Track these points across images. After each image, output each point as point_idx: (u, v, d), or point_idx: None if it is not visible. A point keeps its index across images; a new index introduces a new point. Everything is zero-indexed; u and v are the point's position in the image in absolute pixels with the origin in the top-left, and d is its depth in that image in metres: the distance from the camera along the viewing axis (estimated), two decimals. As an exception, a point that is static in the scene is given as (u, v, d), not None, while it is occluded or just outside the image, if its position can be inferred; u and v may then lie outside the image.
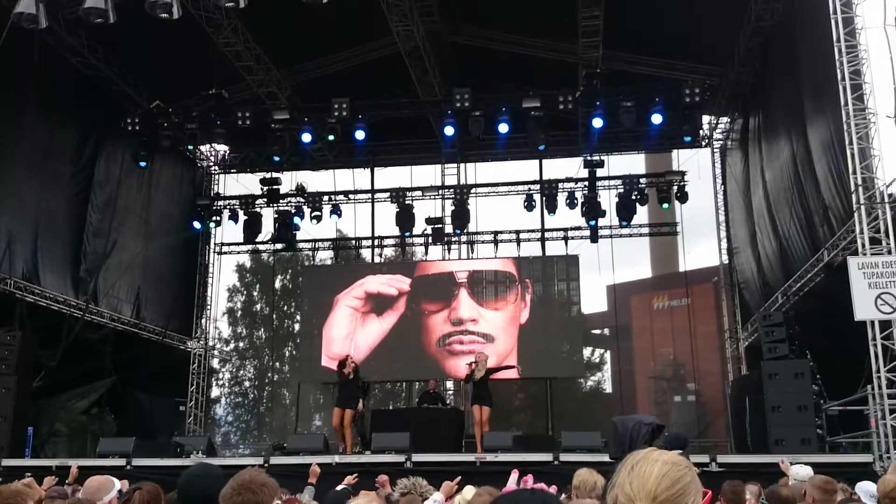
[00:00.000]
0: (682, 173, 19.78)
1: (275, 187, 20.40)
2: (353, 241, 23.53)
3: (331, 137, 16.17)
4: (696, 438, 24.04)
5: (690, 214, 21.60)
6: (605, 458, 10.46)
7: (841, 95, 10.76)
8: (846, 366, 11.39)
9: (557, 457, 11.01)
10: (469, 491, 5.21)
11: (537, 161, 20.54)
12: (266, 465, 11.24)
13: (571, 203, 19.71)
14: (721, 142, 20.19)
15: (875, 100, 10.77)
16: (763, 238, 16.54)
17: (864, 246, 10.53)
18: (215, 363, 29.53)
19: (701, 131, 19.12)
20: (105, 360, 16.69)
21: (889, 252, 10.34)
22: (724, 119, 19.60)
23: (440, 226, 20.90)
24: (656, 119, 15.30)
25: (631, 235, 21.02)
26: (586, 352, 32.09)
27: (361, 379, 14.36)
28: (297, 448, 12.54)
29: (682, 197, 19.38)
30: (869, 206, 10.58)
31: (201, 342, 20.88)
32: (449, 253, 21.35)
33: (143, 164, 17.24)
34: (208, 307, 21.48)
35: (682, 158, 20.46)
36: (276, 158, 17.84)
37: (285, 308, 34.57)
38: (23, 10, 12.25)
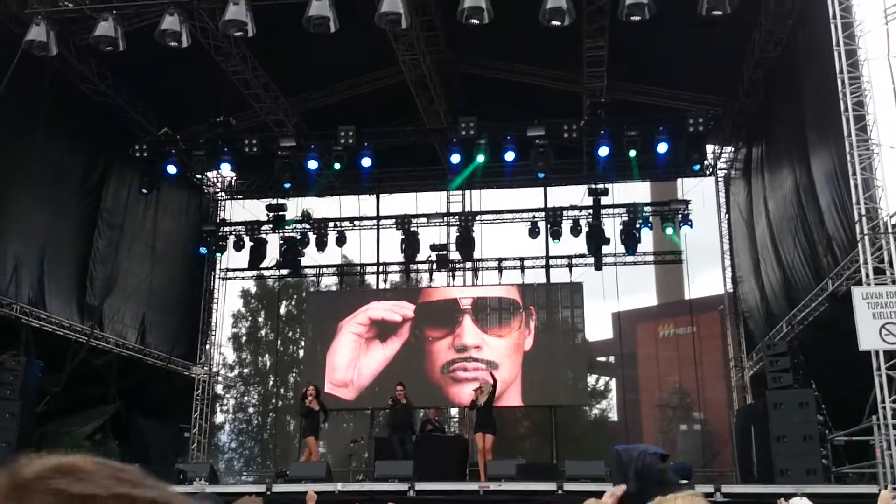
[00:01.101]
0: (687, 202, 19.87)
1: (280, 213, 20.50)
2: (358, 268, 23.58)
3: (336, 166, 16.32)
4: (701, 468, 23.88)
5: (695, 243, 21.66)
6: (609, 487, 10.41)
7: (844, 126, 10.82)
8: (851, 396, 11.35)
9: (561, 486, 10.98)
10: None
11: (542, 189, 20.64)
12: (268, 492, 11.21)
13: (576, 231, 19.78)
14: (725, 171, 20.27)
15: (878, 130, 10.84)
16: (766, 267, 16.55)
17: (867, 276, 10.54)
18: (219, 389, 29.50)
19: (705, 160, 19.22)
20: (109, 386, 16.69)
21: (893, 282, 10.35)
22: (728, 148, 19.69)
23: (445, 252, 20.96)
24: (661, 148, 15.39)
25: (636, 263, 21.05)
26: (591, 379, 32.03)
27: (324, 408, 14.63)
28: (300, 476, 12.52)
29: (687, 225, 19.54)
30: (873, 237, 10.60)
31: (205, 368, 20.87)
32: (453, 280, 21.40)
33: (144, 190, 17.37)
34: (213, 333, 21.50)
35: (687, 187, 20.58)
36: (287, 186, 17.96)
37: (290, 334, 34.55)
38: (34, 37, 12.47)
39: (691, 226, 19.70)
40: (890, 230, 10.55)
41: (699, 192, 20.34)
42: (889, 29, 11.62)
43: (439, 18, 15.03)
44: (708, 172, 20.22)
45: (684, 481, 7.00)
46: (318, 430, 14.64)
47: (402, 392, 14.47)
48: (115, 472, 0.87)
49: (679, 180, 20.90)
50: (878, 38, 11.56)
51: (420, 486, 11.39)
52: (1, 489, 0.82)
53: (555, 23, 11.76)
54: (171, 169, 16.79)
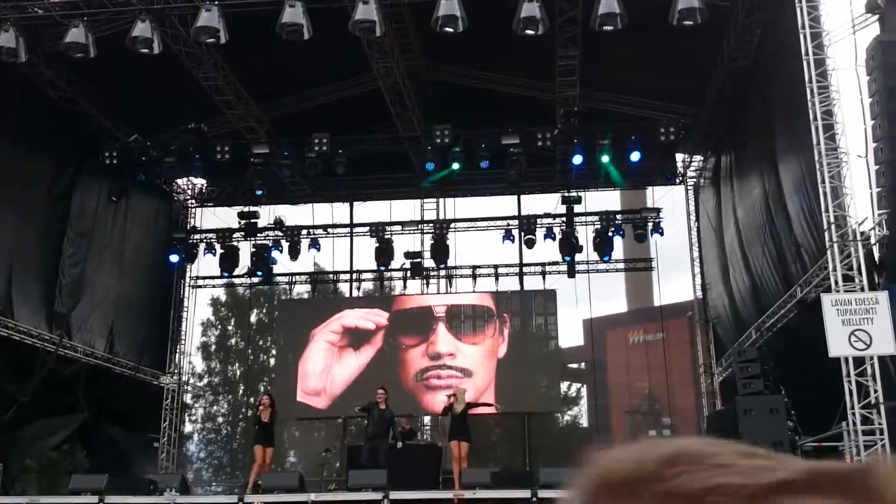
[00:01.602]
0: (658, 210, 20.11)
1: (252, 221, 20.38)
2: (331, 275, 23.49)
3: (311, 173, 16.28)
4: (672, 474, 23.99)
5: (665, 250, 21.90)
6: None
7: (813, 135, 10.97)
8: (820, 402, 11.49)
9: (535, 493, 10.98)
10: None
11: (516, 196, 20.72)
12: (240, 503, 11.10)
13: (549, 238, 19.90)
14: (694, 179, 20.49)
15: (847, 139, 11.02)
16: (735, 274, 16.73)
17: (836, 283, 10.69)
18: (188, 398, 29.18)
19: (676, 169, 19.45)
20: (77, 395, 16.45)
21: (862, 289, 10.51)
22: (698, 157, 19.91)
23: (419, 260, 20.95)
24: (634, 157, 15.55)
25: (608, 270, 21.21)
26: (563, 386, 32.11)
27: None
28: (272, 486, 12.40)
29: (658, 233, 19.79)
30: (842, 244, 10.76)
31: (174, 377, 20.63)
32: (427, 287, 21.38)
33: (114, 197, 17.17)
34: (182, 341, 21.26)
35: (657, 195, 20.79)
36: (259, 192, 17.87)
37: (261, 342, 34.30)
38: (2, 44, 12.31)
39: (662, 233, 19.94)
40: (858, 238, 10.72)
41: (669, 201, 20.60)
42: (857, 39, 11.84)
43: (413, 26, 15.04)
44: (678, 181, 20.44)
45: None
46: (265, 440, 13.84)
47: (384, 397, 13.81)
48: (742, 451, 0.60)
49: (649, 188, 21.11)
50: (847, 47, 11.78)
51: (394, 495, 11.34)
52: (589, 489, 0.60)
53: (528, 32, 11.85)
54: (142, 176, 16.64)
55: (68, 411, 16.30)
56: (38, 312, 15.93)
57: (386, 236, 20.57)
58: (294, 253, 20.77)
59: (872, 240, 10.87)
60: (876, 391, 10.13)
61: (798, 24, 11.24)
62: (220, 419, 34.00)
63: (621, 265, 22.04)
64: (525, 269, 20.80)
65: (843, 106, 11.11)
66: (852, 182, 10.91)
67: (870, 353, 10.18)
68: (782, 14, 12.43)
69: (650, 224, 19.90)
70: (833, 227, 10.78)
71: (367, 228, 20.91)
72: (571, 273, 20.13)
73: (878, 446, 10.00)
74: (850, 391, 10.26)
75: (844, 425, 10.36)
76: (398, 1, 13.03)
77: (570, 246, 19.57)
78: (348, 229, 21.51)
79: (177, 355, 20.92)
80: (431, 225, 20.81)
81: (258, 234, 20.61)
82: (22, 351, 15.12)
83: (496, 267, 20.95)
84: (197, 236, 20.99)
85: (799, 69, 11.25)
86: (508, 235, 20.30)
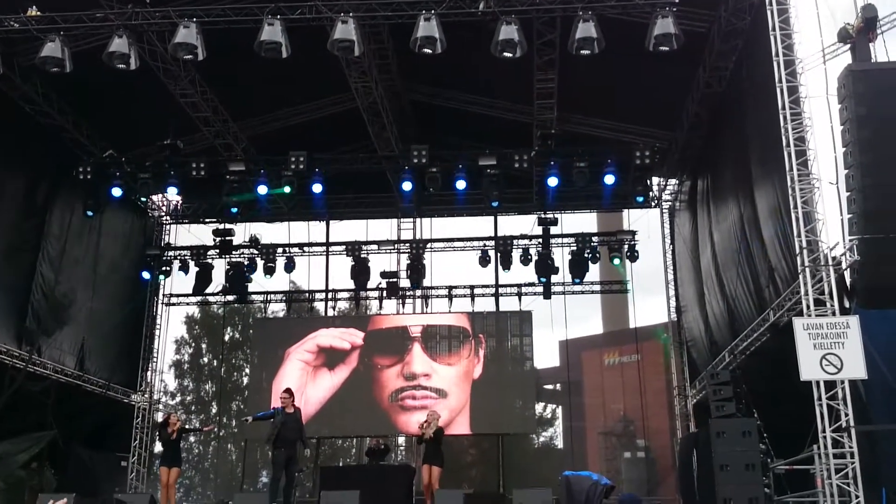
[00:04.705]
0: (633, 232, 20.26)
1: (227, 238, 20.25)
2: (307, 294, 23.36)
3: (287, 189, 16.22)
4: (645, 496, 24.08)
5: (641, 272, 22.02)
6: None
7: (786, 161, 11.12)
8: (792, 425, 11.55)
9: (509, 515, 10.95)
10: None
11: (492, 217, 20.79)
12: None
13: (525, 259, 19.97)
14: (669, 203, 20.66)
15: (819, 166, 11.17)
16: (711, 297, 16.84)
17: (808, 307, 10.79)
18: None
19: (651, 192, 19.60)
20: (46, 413, 16.17)
21: (833, 313, 10.61)
22: (673, 181, 20.08)
23: (395, 280, 20.92)
24: (609, 180, 15.67)
25: (583, 292, 21.31)
26: (538, 407, 32.10)
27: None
28: (244, 506, 12.27)
29: (633, 256, 19.93)
30: (814, 269, 10.87)
31: (146, 395, 20.38)
32: (403, 307, 21.36)
33: (90, 213, 16.99)
34: (154, 359, 21.01)
35: (633, 218, 20.96)
36: (235, 210, 17.77)
37: (234, 361, 34.01)
38: (-23, 56, 12.17)
39: (637, 256, 20.06)
40: (830, 263, 10.83)
41: (644, 223, 20.79)
42: (827, 68, 12.05)
43: (392, 47, 15.12)
44: (654, 204, 20.60)
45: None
46: (173, 462, 13.14)
47: (290, 399, 12.35)
48: None
49: (625, 211, 21.26)
50: (818, 75, 11.98)
51: (367, 516, 11.26)
52: None
53: (506, 54, 11.92)
54: (116, 191, 16.49)
55: (37, 429, 16.01)
56: (6, 329, 15.66)
57: (362, 255, 20.53)
58: (269, 271, 20.66)
59: (844, 265, 10.99)
60: (847, 415, 10.20)
61: (772, 52, 11.41)
62: (192, 438, 33.58)
63: (597, 287, 22.13)
64: (501, 290, 20.83)
65: (815, 133, 11.27)
66: (824, 208, 11.05)
67: (840, 377, 10.26)
68: (756, 41, 12.62)
69: (626, 247, 20.03)
70: (805, 251, 10.90)
71: (344, 247, 20.86)
72: (547, 294, 20.21)
73: (849, 469, 10.06)
74: (822, 415, 10.33)
75: (816, 448, 10.42)
76: (377, 21, 13.07)
77: (545, 267, 19.65)
78: (324, 248, 21.44)
79: (149, 373, 20.67)
80: (408, 245, 20.82)
81: (233, 252, 20.48)
82: (-10, 368, 14.87)
83: (472, 287, 20.96)
84: (171, 253, 20.82)
85: (773, 96, 11.41)
86: (485, 256, 20.34)
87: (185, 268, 20.42)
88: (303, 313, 23.25)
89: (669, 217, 20.72)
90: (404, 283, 20.81)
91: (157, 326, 21.18)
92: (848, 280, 11.05)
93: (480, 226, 21.42)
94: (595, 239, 20.55)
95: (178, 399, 33.57)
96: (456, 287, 21.13)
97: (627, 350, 32.48)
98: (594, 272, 20.98)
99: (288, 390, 12.62)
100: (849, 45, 11.81)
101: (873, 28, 11.65)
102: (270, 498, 11.96)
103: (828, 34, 12.48)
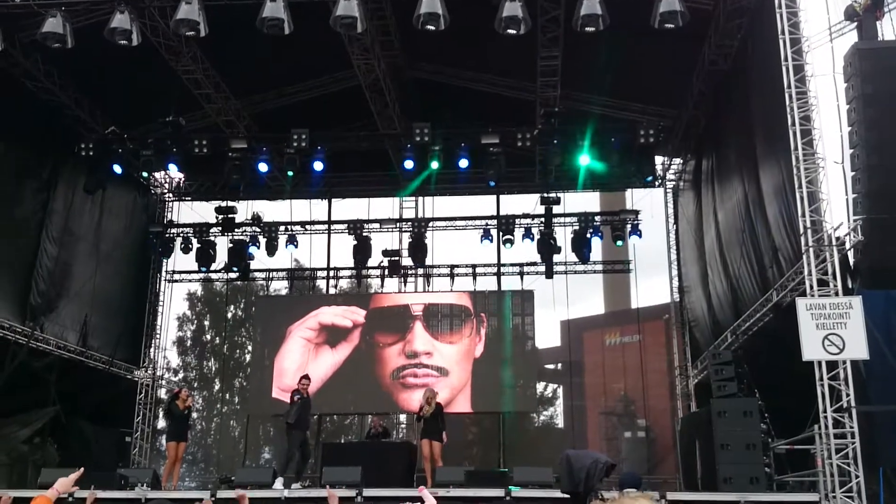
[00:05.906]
0: (636, 212, 20.20)
1: (230, 216, 20.23)
2: (309, 272, 23.38)
3: (290, 173, 16.22)
4: (646, 475, 24.15)
5: (643, 252, 21.96)
6: (557, 493, 10.44)
7: (791, 140, 11.04)
8: (793, 405, 11.57)
9: (509, 492, 10.99)
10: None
11: (495, 196, 20.71)
12: (213, 498, 11.01)
13: (528, 238, 19.92)
14: (673, 182, 20.57)
15: (824, 145, 11.09)
16: (714, 277, 16.81)
17: (811, 287, 10.76)
18: (163, 393, 28.95)
19: (655, 172, 19.48)
20: (49, 389, 16.24)
21: (836, 294, 10.58)
22: (677, 160, 19.99)
23: (397, 258, 20.91)
24: (612, 159, 15.59)
25: (585, 272, 21.25)
26: (539, 386, 32.23)
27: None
28: (246, 481, 12.34)
29: (636, 233, 19.88)
30: (817, 249, 10.83)
31: (149, 372, 20.45)
32: (405, 285, 21.37)
33: (89, 191, 16.97)
34: (157, 336, 21.08)
35: (636, 197, 20.89)
36: (237, 187, 17.75)
37: (236, 338, 34.15)
38: (-23, 32, 12.10)
39: (640, 236, 20.01)
40: (834, 243, 10.79)
41: (647, 203, 20.70)
42: (834, 46, 11.94)
43: (395, 23, 15.00)
44: (657, 183, 20.52)
45: (633, 490, 7.05)
46: (182, 436, 14.04)
47: (308, 385, 13.33)
48: None
49: (628, 191, 21.18)
50: (825, 54, 11.87)
51: (368, 492, 11.31)
52: None
53: (510, 31, 11.81)
54: (118, 168, 16.47)
55: (40, 405, 16.10)
56: (8, 304, 15.69)
57: (364, 234, 20.51)
58: (271, 249, 20.65)
59: (847, 245, 10.95)
60: (848, 395, 10.21)
61: (778, 30, 11.30)
62: (195, 415, 33.73)
63: (599, 267, 22.10)
64: (503, 270, 20.82)
65: (820, 112, 11.19)
66: (829, 188, 11.00)
67: (842, 358, 10.27)
68: (762, 19, 12.50)
69: (628, 226, 19.97)
70: (809, 231, 10.85)
71: (346, 226, 20.84)
72: (549, 274, 20.16)
73: (849, 450, 10.08)
74: (823, 395, 10.33)
75: (816, 428, 10.44)
76: (380, -3, 12.97)
77: (548, 247, 19.60)
78: (326, 226, 21.43)
79: (151, 350, 20.74)
80: (410, 223, 20.79)
81: (235, 230, 20.47)
82: (-8, 343, 14.91)
83: (474, 266, 20.95)
84: (174, 230, 20.82)
85: (778, 74, 11.31)
86: (487, 235, 20.30)
87: (187, 245, 20.41)
88: (305, 291, 23.29)
89: (673, 196, 20.64)
90: (406, 261, 20.80)
91: (160, 303, 21.23)
92: (851, 260, 11.03)
93: (482, 204, 21.42)
94: (598, 218, 20.46)
95: (181, 375, 33.73)
96: (458, 266, 21.13)
97: (629, 330, 32.53)
98: (597, 252, 20.96)
99: (307, 376, 13.52)
100: (855, 24, 11.73)
101: (880, 6, 11.57)
102: (281, 471, 12.66)
103: (834, 12, 12.38)
